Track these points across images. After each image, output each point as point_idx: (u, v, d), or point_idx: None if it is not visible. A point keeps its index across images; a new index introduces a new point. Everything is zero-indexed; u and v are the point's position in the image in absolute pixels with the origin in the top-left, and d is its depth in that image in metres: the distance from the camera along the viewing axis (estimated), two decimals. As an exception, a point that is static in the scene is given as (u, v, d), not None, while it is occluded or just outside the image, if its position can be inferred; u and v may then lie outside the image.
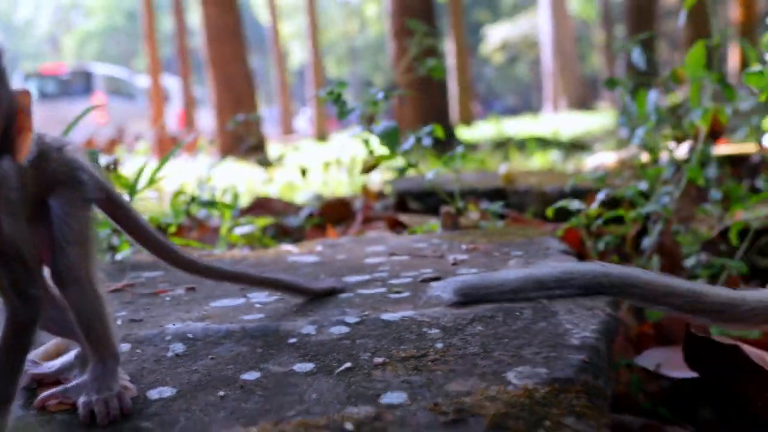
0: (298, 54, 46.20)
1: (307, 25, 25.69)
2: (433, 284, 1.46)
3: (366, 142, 2.45)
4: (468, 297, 1.33)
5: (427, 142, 2.29)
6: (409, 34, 9.56)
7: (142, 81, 24.67)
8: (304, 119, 32.85)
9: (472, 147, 9.61)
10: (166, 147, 12.14)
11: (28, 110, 0.95)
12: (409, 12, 10.13)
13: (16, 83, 0.97)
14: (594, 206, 2.21)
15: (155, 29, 22.79)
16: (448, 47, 19.28)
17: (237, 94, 13.99)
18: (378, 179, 4.82)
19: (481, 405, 0.98)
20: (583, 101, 24.40)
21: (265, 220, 2.85)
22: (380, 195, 4.10)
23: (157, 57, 21.61)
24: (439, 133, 2.29)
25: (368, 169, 2.34)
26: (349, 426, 0.94)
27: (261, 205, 3.93)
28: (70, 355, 1.17)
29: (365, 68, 52.88)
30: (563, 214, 2.50)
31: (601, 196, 2.27)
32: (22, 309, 0.96)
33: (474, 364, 1.10)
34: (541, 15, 26.33)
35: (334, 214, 3.53)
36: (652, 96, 2.80)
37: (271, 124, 27.10)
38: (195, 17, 26.42)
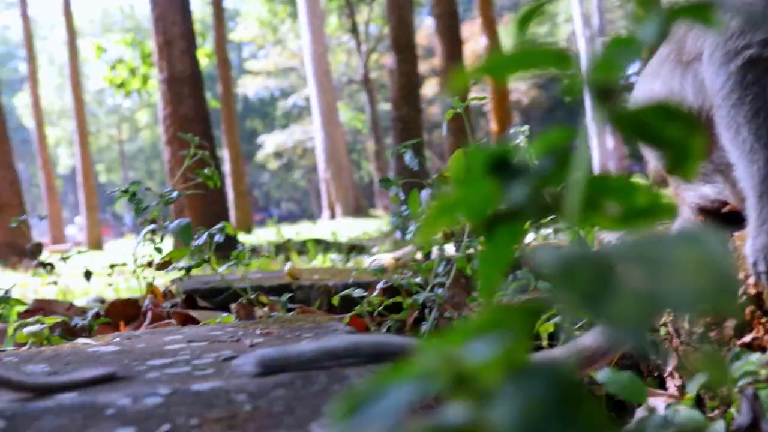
0: (66, 159, 44.68)
1: (76, 130, 25.03)
2: (237, 359, 1.60)
3: (154, 242, 2.57)
4: (268, 367, 1.48)
5: (218, 238, 2.43)
6: (184, 141, 9.69)
7: None
8: (75, 227, 31.58)
9: (253, 250, 9.73)
10: None
11: None
12: (183, 119, 10.23)
13: None
14: (375, 294, 2.44)
15: None
16: (224, 154, 19.51)
17: (1, 199, 13.37)
18: (163, 281, 4.85)
19: (289, 450, 1.13)
20: (358, 207, 25.30)
21: (53, 319, 2.85)
22: (167, 295, 4.14)
23: None
24: (230, 230, 2.45)
25: (163, 265, 2.45)
26: (174, 474, 1.06)
27: (41, 308, 3.85)
28: None
29: (138, 175, 51.90)
30: (348, 306, 2.72)
31: (380, 285, 2.50)
32: None
33: (281, 420, 1.26)
34: (314, 124, 27.22)
35: (121, 314, 3.54)
36: (424, 195, 3.12)
37: (40, 232, 25.84)
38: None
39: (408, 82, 13.53)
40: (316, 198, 39.99)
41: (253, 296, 2.49)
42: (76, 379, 1.56)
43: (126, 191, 2.25)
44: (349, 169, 26.24)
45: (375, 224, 18.69)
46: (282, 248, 10.07)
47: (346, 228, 17.83)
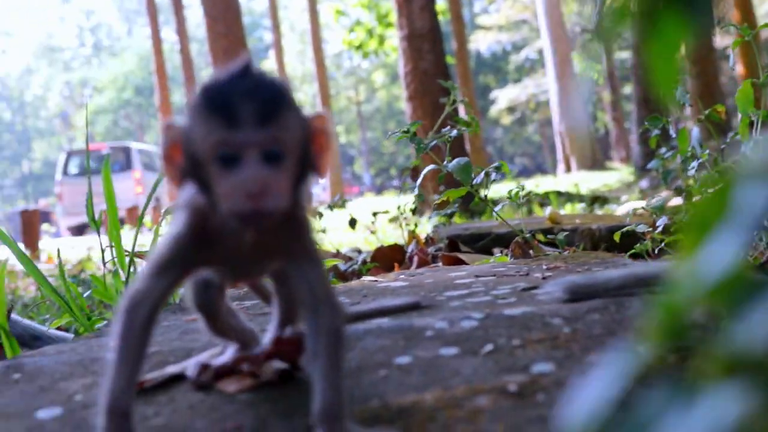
0: (309, 122, 46.81)
1: (318, 93, 26.12)
2: (541, 288, 1.61)
3: (419, 189, 2.62)
4: (577, 294, 1.48)
5: (495, 176, 2.44)
6: (425, 95, 9.82)
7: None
8: (318, 187, 33.23)
9: (494, 203, 9.75)
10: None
11: (326, 131, 1.05)
12: (423, 75, 10.34)
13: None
14: (658, 231, 2.36)
15: (169, 102, 23.27)
16: (460, 110, 19.62)
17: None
18: (422, 228, 4.98)
19: (621, 369, 1.12)
20: (595, 160, 24.63)
21: (328, 261, 3.01)
22: (429, 241, 4.25)
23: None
24: (506, 169, 2.45)
25: (440, 205, 2.50)
26: (512, 387, 1.09)
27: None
28: (233, 350, 1.33)
29: (376, 134, 53.53)
30: (620, 246, 2.65)
31: (661, 222, 2.41)
32: (334, 315, 1.05)
33: (603, 342, 1.25)
34: (548, 76, 26.69)
35: (388, 258, 3.68)
36: (695, 132, 2.97)
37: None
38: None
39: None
40: (551, 152, 39.38)
41: (528, 235, 2.48)
42: (386, 306, 1.64)
43: (407, 131, 2.31)
44: (585, 121, 25.53)
45: (614, 176, 18.12)
46: (523, 200, 9.99)
47: (584, 180, 17.45)
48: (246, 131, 0.95)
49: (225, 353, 1.34)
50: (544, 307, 1.47)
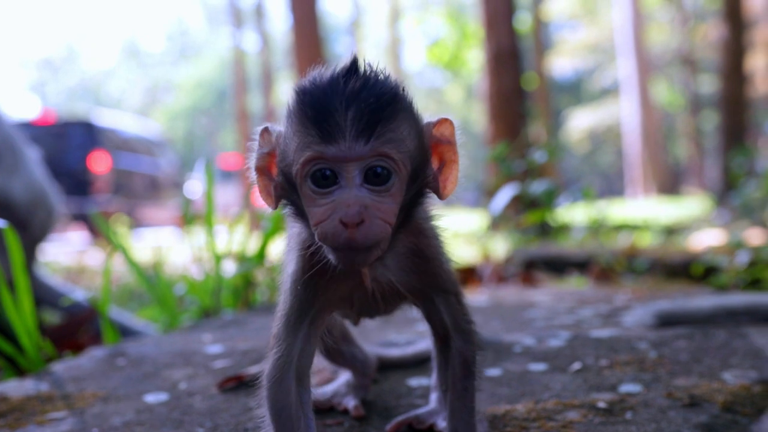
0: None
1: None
2: (630, 312, 1.65)
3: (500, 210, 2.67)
4: (665, 320, 1.52)
5: (576, 198, 2.48)
6: (507, 115, 9.84)
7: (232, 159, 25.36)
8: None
9: (566, 228, 9.71)
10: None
11: (451, 141, 0.89)
12: (506, 95, 10.35)
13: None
14: (737, 264, 2.37)
15: (246, 109, 23.68)
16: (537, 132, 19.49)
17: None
18: (496, 248, 5.02)
19: (709, 395, 1.16)
20: (671, 187, 24.22)
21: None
22: (504, 263, 4.29)
23: (247, 134, 22.40)
24: (590, 193, 2.49)
25: (519, 225, 2.54)
26: (601, 404, 1.13)
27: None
28: (340, 382, 1.25)
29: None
30: (696, 278, 2.67)
31: (743, 257, 2.42)
32: (464, 346, 0.95)
33: (689, 368, 1.29)
34: (626, 101, 26.35)
35: (460, 277, 3.74)
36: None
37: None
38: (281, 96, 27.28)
39: (737, 54, 12.70)
40: (618, 177, 38.83)
41: (609, 262, 2.52)
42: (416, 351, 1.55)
43: (497, 153, 2.37)
44: (662, 150, 25.18)
45: (690, 205, 17.80)
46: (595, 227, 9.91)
47: (657, 209, 17.17)
48: (345, 145, 0.79)
49: (335, 382, 1.26)
50: (630, 331, 1.51)
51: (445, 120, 0.88)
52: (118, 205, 11.59)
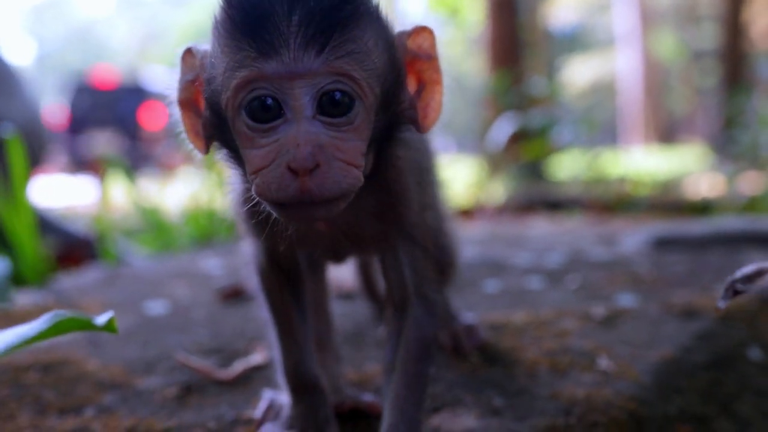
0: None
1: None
2: (626, 237, 1.67)
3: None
4: (662, 243, 1.54)
5: (579, 130, 2.48)
6: (505, 61, 9.79)
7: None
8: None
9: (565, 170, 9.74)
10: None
11: (431, 55, 0.69)
12: (505, 43, 10.23)
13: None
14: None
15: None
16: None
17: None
18: (492, 190, 5.04)
19: (704, 307, 1.17)
20: (669, 137, 24.17)
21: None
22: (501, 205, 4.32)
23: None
24: (593, 125, 2.49)
25: (524, 155, 2.53)
26: (598, 313, 1.15)
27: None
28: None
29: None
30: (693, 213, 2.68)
31: (735, 193, 2.42)
32: (425, 318, 0.76)
33: (685, 284, 1.31)
34: (625, 55, 26.15)
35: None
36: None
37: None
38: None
39: (736, 4, 12.58)
40: (614, 129, 38.73)
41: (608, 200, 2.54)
42: None
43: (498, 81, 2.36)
44: (659, 98, 25.03)
45: (688, 154, 17.80)
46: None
47: (658, 157, 17.12)
48: (289, 56, 0.60)
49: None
50: (628, 253, 1.53)
51: (423, 29, 0.68)
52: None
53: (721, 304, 0.64)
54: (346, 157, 0.60)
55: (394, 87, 0.66)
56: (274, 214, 0.63)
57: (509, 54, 9.59)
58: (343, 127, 0.61)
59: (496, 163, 3.89)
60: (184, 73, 0.69)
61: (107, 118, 11.46)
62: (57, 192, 6.08)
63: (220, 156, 0.70)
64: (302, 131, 0.59)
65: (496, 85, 2.38)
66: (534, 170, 6.27)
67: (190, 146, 0.70)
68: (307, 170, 0.58)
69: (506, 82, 2.42)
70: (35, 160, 2.44)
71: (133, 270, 1.72)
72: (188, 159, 2.60)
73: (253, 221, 0.72)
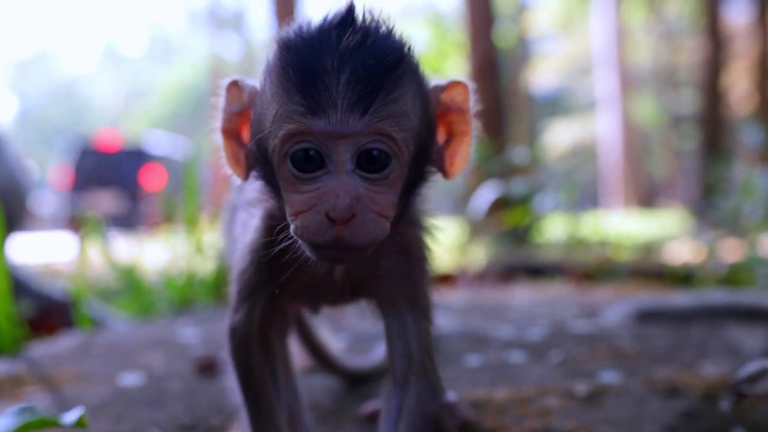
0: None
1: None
2: (608, 309, 1.66)
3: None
4: (645, 315, 1.53)
5: (559, 199, 2.49)
6: (488, 128, 9.88)
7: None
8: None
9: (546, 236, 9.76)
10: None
11: (463, 108, 0.72)
12: (487, 107, 10.33)
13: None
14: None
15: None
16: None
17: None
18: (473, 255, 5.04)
19: (688, 384, 1.16)
20: (648, 201, 24.38)
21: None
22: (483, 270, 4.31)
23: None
24: (572, 193, 2.50)
25: (506, 223, 2.54)
26: (580, 392, 1.13)
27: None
28: None
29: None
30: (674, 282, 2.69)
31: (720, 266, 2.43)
32: (427, 395, 0.76)
33: (668, 359, 1.29)
34: (605, 118, 26.48)
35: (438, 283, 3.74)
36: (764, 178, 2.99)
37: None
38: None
39: (715, 70, 12.82)
40: (594, 193, 39.06)
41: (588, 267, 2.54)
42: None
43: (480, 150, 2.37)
44: (639, 162, 25.30)
45: (668, 218, 17.93)
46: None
47: (638, 221, 17.24)
48: (336, 117, 0.63)
49: None
50: (610, 326, 1.52)
51: (458, 83, 0.72)
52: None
53: (725, 407, 0.63)
54: (379, 209, 0.65)
55: (427, 142, 0.70)
56: (307, 253, 0.66)
57: (492, 120, 9.70)
58: (380, 182, 0.66)
59: (477, 229, 3.90)
60: (229, 104, 0.73)
61: (110, 178, 11.93)
62: (37, 248, 6.03)
63: (257, 185, 0.74)
64: (342, 184, 0.64)
65: (479, 153, 2.39)
66: (515, 235, 6.29)
67: (230, 172, 0.74)
68: (344, 220, 0.63)
69: (489, 151, 2.43)
70: (14, 220, 2.42)
71: (108, 337, 1.69)
72: (169, 218, 2.59)
73: (263, 268, 0.75)
